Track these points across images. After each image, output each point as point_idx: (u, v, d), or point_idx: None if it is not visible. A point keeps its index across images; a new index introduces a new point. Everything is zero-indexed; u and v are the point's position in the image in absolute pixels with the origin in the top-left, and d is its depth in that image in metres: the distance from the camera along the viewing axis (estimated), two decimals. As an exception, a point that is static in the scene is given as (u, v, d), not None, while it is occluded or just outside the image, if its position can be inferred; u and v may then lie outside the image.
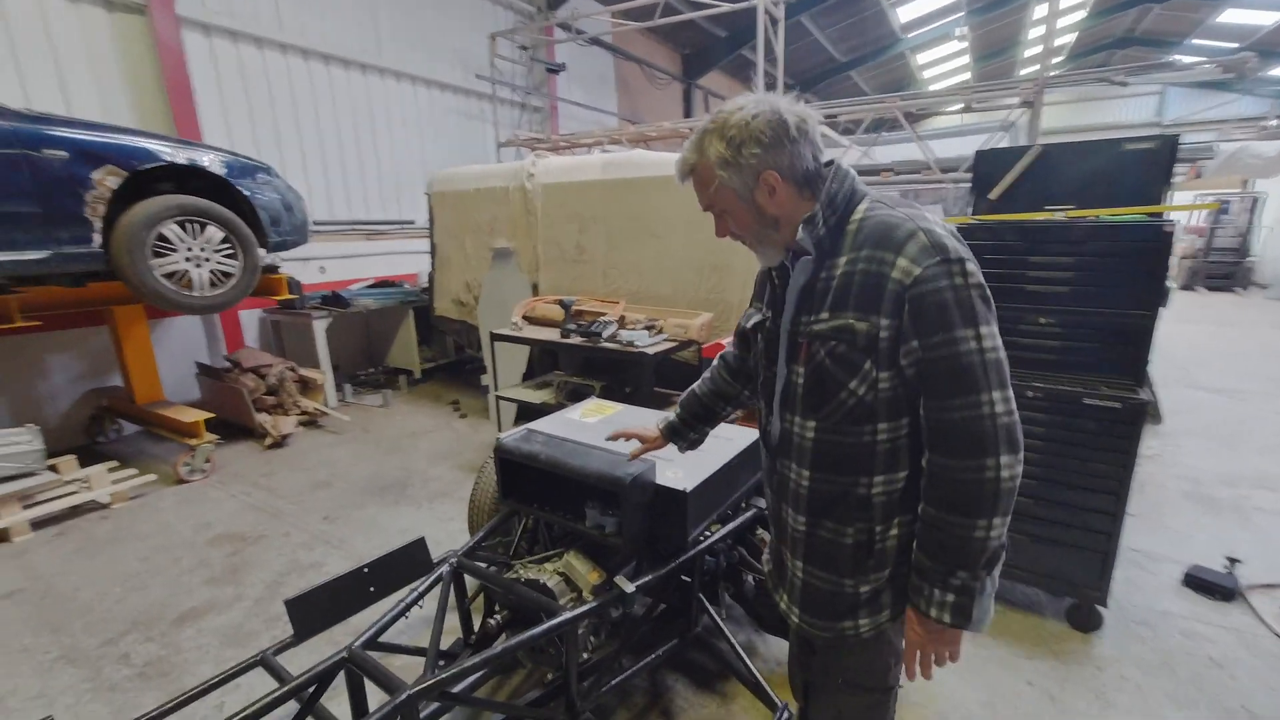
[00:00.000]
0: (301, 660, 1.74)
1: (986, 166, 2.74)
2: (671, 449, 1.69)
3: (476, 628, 2.00)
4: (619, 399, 2.93)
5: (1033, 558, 2.45)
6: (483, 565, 2.02)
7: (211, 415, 4.15)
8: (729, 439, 2.17)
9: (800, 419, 1.13)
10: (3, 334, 3.41)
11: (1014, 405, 1.01)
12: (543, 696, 1.79)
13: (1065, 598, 2.50)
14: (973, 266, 1.00)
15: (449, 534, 3.26)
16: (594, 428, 2.28)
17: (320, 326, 5.27)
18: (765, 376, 1.24)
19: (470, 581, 1.97)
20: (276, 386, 4.74)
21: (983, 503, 0.98)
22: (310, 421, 5.00)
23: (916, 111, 6.28)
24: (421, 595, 1.79)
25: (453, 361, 6.64)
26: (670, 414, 1.68)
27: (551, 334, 3.80)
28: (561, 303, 3.74)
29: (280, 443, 4.55)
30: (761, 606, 2.21)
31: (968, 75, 17.32)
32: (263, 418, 4.55)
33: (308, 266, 5.78)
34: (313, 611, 2.02)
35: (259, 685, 1.89)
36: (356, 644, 1.54)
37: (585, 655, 1.84)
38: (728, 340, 1.63)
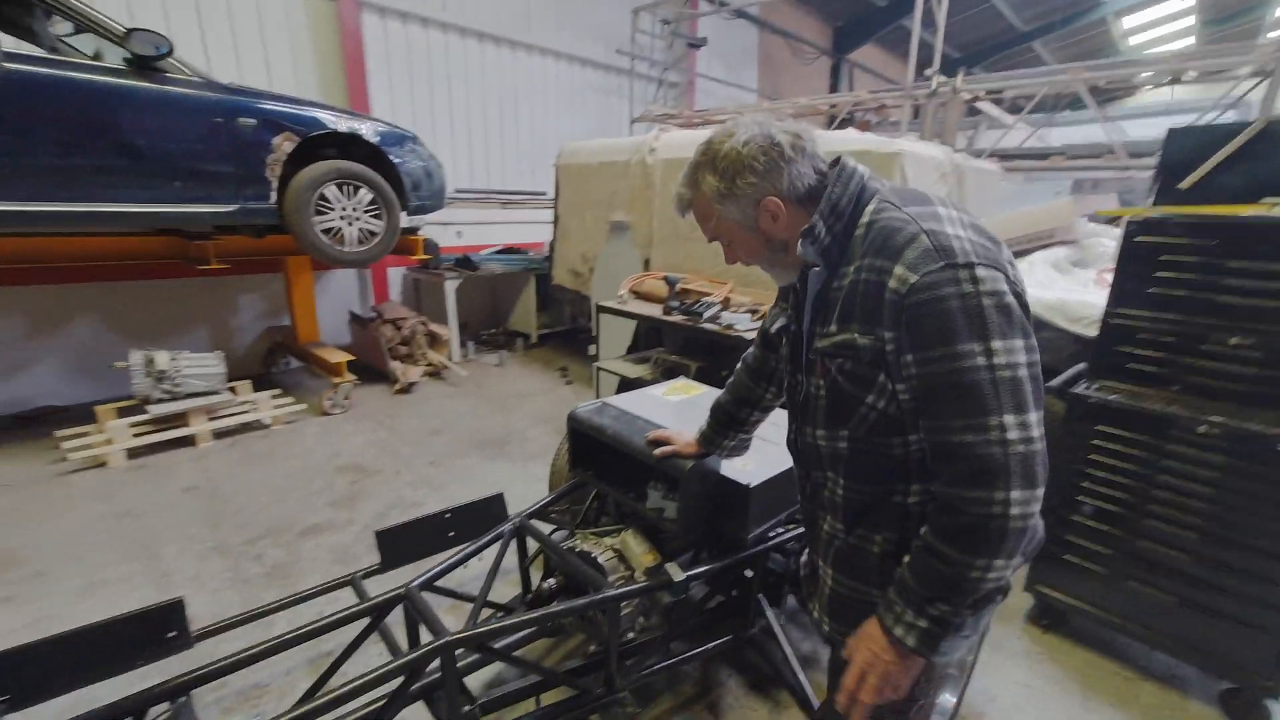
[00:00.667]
0: (384, 585, 1.90)
1: (1181, 148, 2.24)
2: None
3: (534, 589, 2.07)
4: (714, 383, 2.85)
5: (1182, 625, 2.04)
6: (546, 529, 2.07)
7: (353, 358, 4.68)
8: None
9: (827, 430, 1.06)
10: (205, 274, 4.06)
11: (1036, 433, 0.87)
12: (583, 667, 1.81)
13: (1221, 680, 2.06)
14: (984, 272, 0.88)
15: (535, 493, 3.40)
16: (674, 408, 2.23)
17: (450, 286, 5.70)
18: (790, 384, 1.19)
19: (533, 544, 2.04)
20: (409, 338, 5.22)
21: (986, 541, 0.87)
22: (434, 373, 5.46)
23: (1105, 85, 5.31)
24: (481, 548, 1.87)
25: (567, 329, 6.89)
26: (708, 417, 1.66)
27: (654, 310, 3.78)
28: (667, 279, 3.70)
29: (407, 389, 5.02)
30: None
31: (1190, 41, 14.37)
32: (395, 365, 5.04)
33: (446, 230, 6.26)
34: (397, 545, 2.21)
35: (346, 600, 2.11)
36: (415, 583, 1.65)
37: (631, 635, 1.83)
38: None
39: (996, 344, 0.85)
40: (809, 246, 0.99)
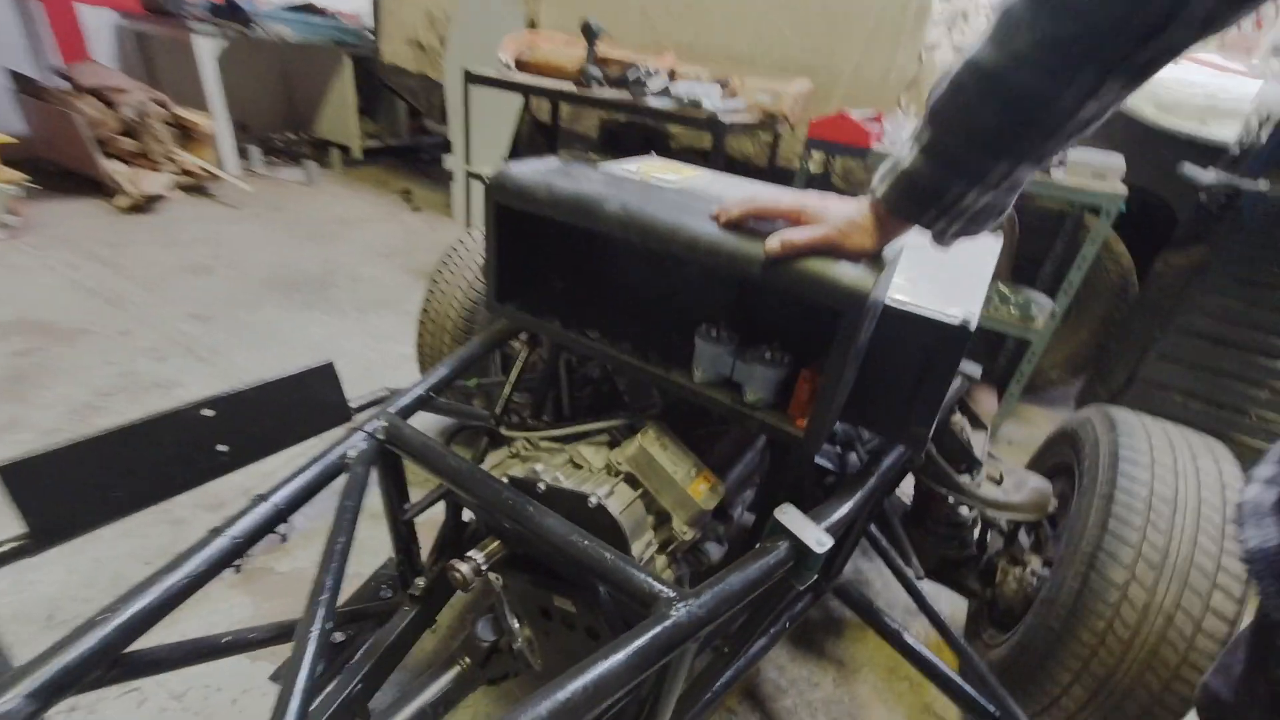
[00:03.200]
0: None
1: None
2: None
3: (427, 557, 1.00)
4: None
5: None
6: (436, 443, 0.94)
7: (15, 141, 2.70)
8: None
9: None
10: None
11: None
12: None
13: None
14: None
15: (387, 361, 2.16)
16: (677, 197, 1.11)
17: (207, 48, 3.62)
18: None
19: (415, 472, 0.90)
20: (137, 125, 3.22)
21: None
22: (195, 187, 3.56)
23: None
24: (306, 489, 0.73)
25: (406, 145, 5.09)
26: (908, 146, 0.62)
27: (563, 85, 2.45)
28: (587, 30, 2.34)
29: (142, 206, 3.16)
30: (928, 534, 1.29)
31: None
32: (115, 166, 3.10)
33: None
34: (74, 489, 0.94)
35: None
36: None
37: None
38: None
39: None
40: None
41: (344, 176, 4.50)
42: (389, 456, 0.86)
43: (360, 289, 2.70)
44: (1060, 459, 1.26)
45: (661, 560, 0.85)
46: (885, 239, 0.68)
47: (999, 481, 1.19)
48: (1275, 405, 1.56)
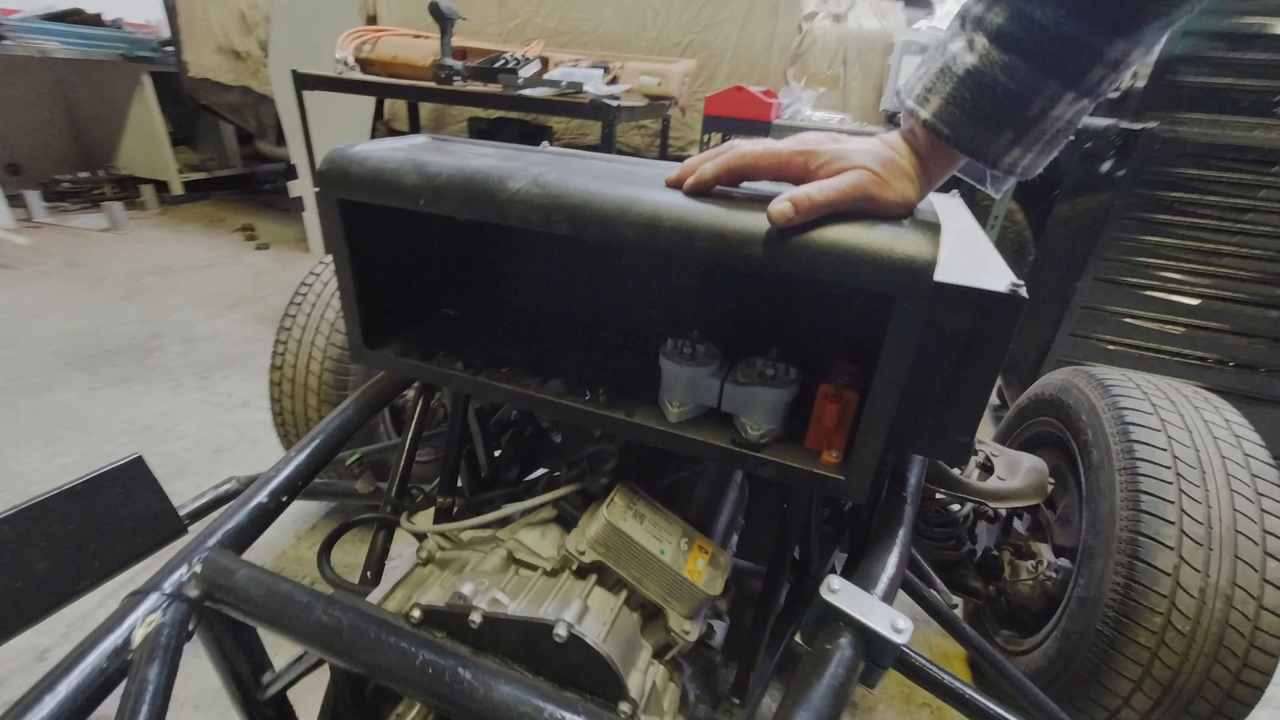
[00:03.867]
0: None
1: None
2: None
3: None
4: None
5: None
6: (288, 588, 0.64)
7: None
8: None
9: None
10: None
11: None
12: None
13: None
14: None
15: (248, 435, 1.73)
16: (607, 167, 0.87)
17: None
18: None
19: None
20: None
21: None
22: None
23: None
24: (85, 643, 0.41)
25: (242, 174, 4.42)
26: (958, 41, 0.42)
27: (419, 84, 2.12)
28: (438, 13, 2.02)
29: None
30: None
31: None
32: None
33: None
34: None
35: None
36: None
37: None
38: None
39: None
40: None
41: (164, 218, 3.80)
42: (216, 618, 0.55)
43: (199, 350, 2.19)
44: (1041, 430, 1.16)
45: (661, 678, 0.61)
46: (930, 184, 0.49)
47: (990, 469, 1.07)
48: (1191, 340, 1.60)
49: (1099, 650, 0.84)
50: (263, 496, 0.65)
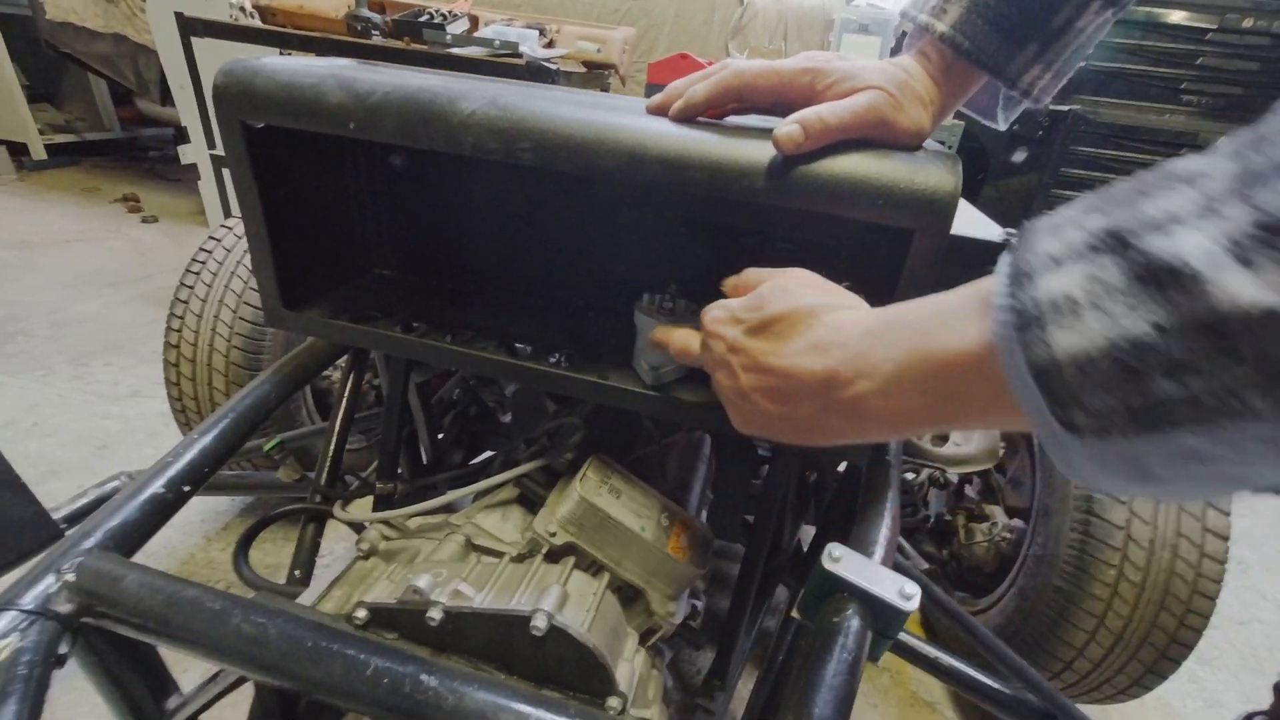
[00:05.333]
0: None
1: None
2: None
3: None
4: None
5: None
6: (200, 594, 0.53)
7: None
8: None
9: None
10: None
11: None
12: None
13: None
14: None
15: (140, 428, 1.52)
16: (570, 95, 0.78)
17: None
18: None
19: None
20: None
21: None
22: None
23: None
24: None
25: (119, 138, 3.92)
26: None
27: (327, 33, 1.92)
28: (350, -42, 1.83)
29: None
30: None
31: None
32: None
33: None
34: None
35: None
36: None
37: None
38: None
39: None
40: None
41: (22, 185, 3.31)
42: (99, 636, 0.44)
43: (71, 334, 1.91)
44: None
45: (644, 665, 0.55)
46: (943, 111, 0.45)
47: (945, 436, 1.08)
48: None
49: (1056, 605, 0.86)
50: (158, 486, 0.53)
